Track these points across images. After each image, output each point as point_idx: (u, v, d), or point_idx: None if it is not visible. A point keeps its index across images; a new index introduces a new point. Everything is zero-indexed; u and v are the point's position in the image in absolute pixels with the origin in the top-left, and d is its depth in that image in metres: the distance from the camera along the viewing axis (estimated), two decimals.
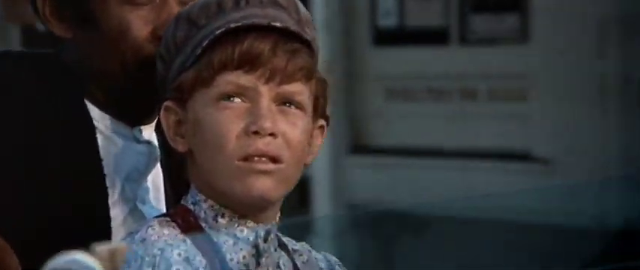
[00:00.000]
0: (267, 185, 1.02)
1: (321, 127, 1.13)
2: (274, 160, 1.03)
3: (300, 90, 1.05)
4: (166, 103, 1.07)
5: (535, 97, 8.16)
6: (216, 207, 1.06)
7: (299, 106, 1.06)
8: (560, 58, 7.79)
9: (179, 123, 1.07)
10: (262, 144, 1.02)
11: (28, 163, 1.10)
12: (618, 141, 7.62)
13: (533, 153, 8.07)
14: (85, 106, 1.15)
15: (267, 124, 1.01)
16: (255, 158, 1.02)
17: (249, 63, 1.03)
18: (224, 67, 1.03)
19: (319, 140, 1.12)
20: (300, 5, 1.12)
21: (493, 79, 7.96)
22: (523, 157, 8.06)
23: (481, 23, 8.39)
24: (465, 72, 7.98)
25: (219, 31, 1.03)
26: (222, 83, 1.03)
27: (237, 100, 1.03)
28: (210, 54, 1.04)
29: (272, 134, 1.02)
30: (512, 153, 7.97)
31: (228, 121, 1.03)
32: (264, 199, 1.04)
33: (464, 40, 8.27)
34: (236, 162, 1.02)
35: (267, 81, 1.03)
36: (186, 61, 1.06)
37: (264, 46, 1.03)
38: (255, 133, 1.01)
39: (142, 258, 1.00)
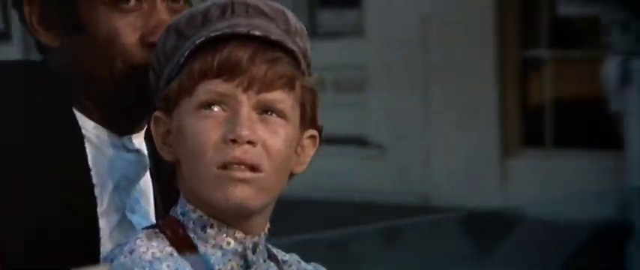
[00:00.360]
0: (246, 193, 1.02)
1: (312, 136, 1.11)
2: (253, 168, 1.02)
3: (280, 98, 1.04)
4: (156, 114, 1.08)
5: (371, 87, 8.87)
6: (205, 217, 1.05)
7: (280, 115, 1.05)
8: (391, 51, 8.52)
9: (167, 133, 1.07)
10: (240, 152, 1.01)
11: (14, 172, 1.09)
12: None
13: (369, 139, 8.81)
14: (74, 114, 1.14)
15: (245, 132, 1.01)
16: (234, 166, 1.01)
17: (228, 71, 1.02)
18: (204, 76, 1.03)
19: (311, 150, 1.12)
20: (291, 16, 1.11)
21: (336, 71, 8.46)
22: (361, 142, 8.78)
23: (327, 18, 8.97)
24: (314, 64, 8.47)
25: (199, 40, 1.04)
26: (202, 92, 1.03)
27: (216, 108, 1.03)
28: (192, 63, 1.04)
29: (250, 142, 1.01)
30: (351, 139, 8.59)
31: (208, 130, 1.02)
32: (243, 208, 1.03)
33: (313, 33, 8.77)
34: (215, 170, 1.02)
35: (246, 89, 1.02)
36: (172, 71, 1.06)
37: (243, 54, 1.02)
38: (233, 141, 1.01)
39: None
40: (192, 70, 1.04)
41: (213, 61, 1.03)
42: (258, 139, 1.02)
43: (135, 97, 1.13)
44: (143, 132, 1.19)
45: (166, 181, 1.13)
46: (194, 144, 1.03)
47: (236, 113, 1.02)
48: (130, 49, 1.12)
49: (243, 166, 1.01)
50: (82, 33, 1.13)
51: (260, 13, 1.08)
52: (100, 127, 1.16)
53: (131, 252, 1.01)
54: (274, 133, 1.04)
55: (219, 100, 1.03)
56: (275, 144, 1.03)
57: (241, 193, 1.01)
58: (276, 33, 1.06)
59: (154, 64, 1.09)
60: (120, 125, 1.17)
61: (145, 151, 1.19)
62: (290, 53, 1.06)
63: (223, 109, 1.03)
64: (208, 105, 1.03)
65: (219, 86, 1.03)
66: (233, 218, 1.05)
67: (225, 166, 1.02)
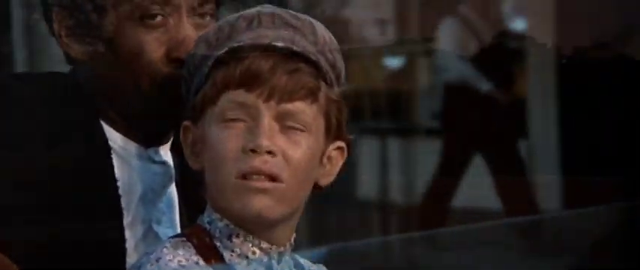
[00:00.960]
0: (264, 203, 1.02)
1: (340, 148, 1.12)
2: (272, 178, 1.02)
3: (301, 109, 1.04)
4: (185, 123, 1.09)
5: None
6: (231, 226, 1.05)
7: (302, 125, 1.05)
8: None
9: (195, 142, 1.09)
10: (259, 162, 1.01)
11: (42, 184, 1.11)
12: None
13: None
14: (101, 126, 1.16)
15: (265, 142, 1.01)
16: (253, 176, 1.02)
17: (249, 81, 1.03)
18: (226, 86, 1.04)
19: (339, 162, 1.12)
20: (319, 27, 1.11)
21: None
22: None
23: None
24: None
25: (222, 51, 1.05)
26: (224, 102, 1.04)
27: (238, 118, 1.04)
28: (216, 73, 1.05)
29: (270, 152, 1.02)
30: None
31: (228, 140, 1.03)
32: (262, 218, 1.03)
33: None
34: (234, 180, 1.02)
35: (267, 99, 1.03)
36: (199, 81, 1.08)
37: (264, 65, 1.03)
38: (253, 151, 1.01)
39: None
40: (215, 81, 1.05)
41: (235, 71, 1.04)
42: (278, 149, 1.02)
43: (160, 109, 1.15)
44: (169, 144, 1.21)
45: (192, 192, 1.14)
46: (215, 154, 1.04)
47: (257, 123, 1.03)
48: (155, 63, 1.14)
49: (262, 177, 1.02)
50: (109, 47, 1.15)
51: (287, 24, 1.08)
52: (126, 138, 1.17)
53: (157, 260, 1.01)
54: (295, 144, 1.04)
55: (241, 110, 1.04)
56: (295, 154, 1.03)
57: (259, 203, 1.01)
58: (300, 44, 1.06)
59: (184, 74, 1.11)
60: (146, 137, 1.19)
61: (171, 163, 1.20)
62: (314, 64, 1.06)
63: (244, 120, 1.04)
64: (230, 115, 1.04)
65: (240, 96, 1.03)
66: (255, 228, 1.05)
67: (244, 176, 1.02)
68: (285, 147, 1.03)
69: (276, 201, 1.03)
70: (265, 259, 1.06)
